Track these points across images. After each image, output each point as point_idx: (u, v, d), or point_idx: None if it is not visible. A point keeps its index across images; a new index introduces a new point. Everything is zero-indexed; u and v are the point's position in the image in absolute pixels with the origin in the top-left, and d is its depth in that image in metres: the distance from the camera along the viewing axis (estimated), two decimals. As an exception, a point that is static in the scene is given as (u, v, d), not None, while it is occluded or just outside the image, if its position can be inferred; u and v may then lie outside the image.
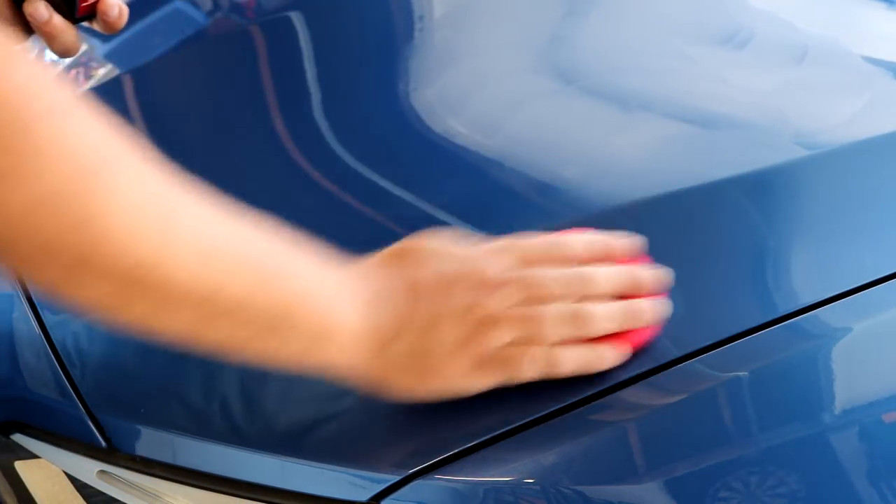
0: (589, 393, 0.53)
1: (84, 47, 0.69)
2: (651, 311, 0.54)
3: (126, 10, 0.64)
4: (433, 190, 0.67)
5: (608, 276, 0.54)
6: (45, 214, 0.39)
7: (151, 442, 0.60)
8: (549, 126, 0.70)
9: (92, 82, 0.88)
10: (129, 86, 0.86)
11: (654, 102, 0.71)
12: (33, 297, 0.68)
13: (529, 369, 0.52)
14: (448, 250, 0.53)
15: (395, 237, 0.65)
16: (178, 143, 0.81)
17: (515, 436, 0.53)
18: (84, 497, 0.64)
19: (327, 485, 0.54)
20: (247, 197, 0.70)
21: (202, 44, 0.92)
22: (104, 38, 0.89)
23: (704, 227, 0.62)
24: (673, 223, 0.63)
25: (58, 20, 0.61)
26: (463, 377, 0.52)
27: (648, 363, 0.54)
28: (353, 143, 0.72)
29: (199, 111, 0.85)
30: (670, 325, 0.56)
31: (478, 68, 0.76)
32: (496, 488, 0.51)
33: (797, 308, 0.56)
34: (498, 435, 0.53)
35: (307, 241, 0.49)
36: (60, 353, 0.65)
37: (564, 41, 0.80)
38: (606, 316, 0.53)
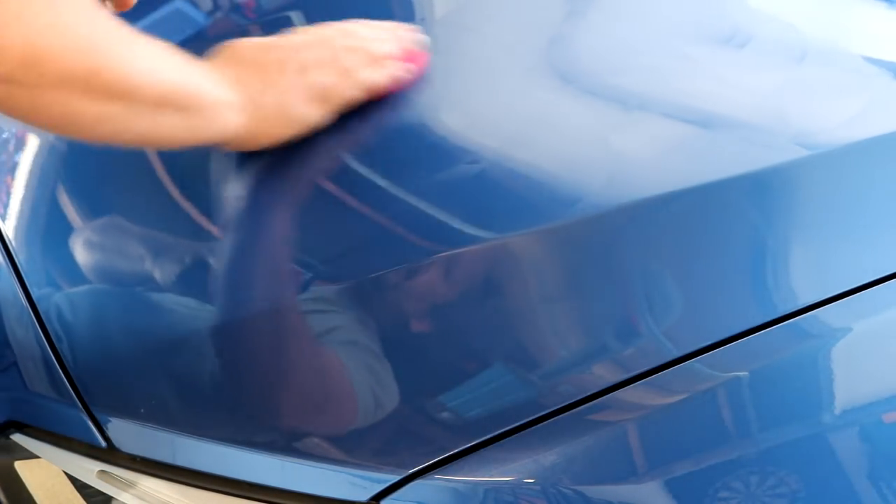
0: (589, 393, 0.53)
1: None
2: (412, 40, 0.73)
3: None
4: (433, 189, 0.67)
5: (379, 28, 0.74)
6: (60, 42, 0.50)
7: (151, 442, 0.59)
8: (548, 126, 0.70)
9: None
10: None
11: (653, 102, 0.71)
12: (33, 298, 0.68)
13: (348, 90, 0.69)
14: (268, 40, 0.70)
15: (395, 236, 0.65)
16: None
17: (515, 436, 0.53)
18: (84, 497, 0.64)
19: (327, 485, 0.54)
20: (247, 197, 0.70)
21: (202, 44, 0.92)
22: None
23: (704, 226, 0.62)
24: (673, 223, 0.62)
25: None
26: (305, 109, 0.68)
27: (648, 363, 0.54)
28: (353, 143, 0.72)
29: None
30: (670, 325, 0.56)
31: (478, 68, 0.76)
32: (496, 488, 0.51)
33: (797, 308, 0.56)
34: (498, 435, 0.53)
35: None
36: (60, 352, 0.65)
37: (564, 41, 0.80)
38: (382, 39, 0.72)
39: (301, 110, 0.68)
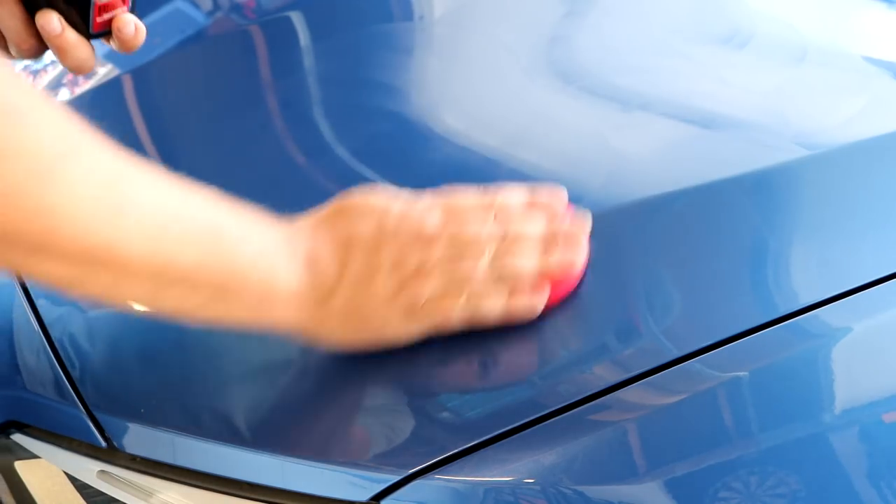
0: (589, 393, 0.53)
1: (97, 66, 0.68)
2: (572, 256, 0.57)
3: (143, 29, 0.62)
4: (433, 189, 0.67)
5: (531, 226, 0.57)
6: (4, 207, 0.42)
7: (151, 442, 0.59)
8: (548, 125, 0.70)
9: (92, 82, 0.88)
10: (129, 86, 0.86)
11: (654, 102, 0.71)
12: (33, 298, 0.68)
13: (456, 318, 0.55)
14: (381, 206, 0.56)
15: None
16: (179, 143, 0.81)
17: (515, 436, 0.53)
18: (84, 497, 0.64)
19: (327, 485, 0.54)
20: (246, 197, 0.70)
21: (202, 44, 0.92)
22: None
23: (704, 227, 0.62)
24: (673, 223, 0.63)
25: (70, 34, 0.59)
26: (394, 327, 0.55)
27: (648, 363, 0.54)
28: (354, 143, 0.72)
29: (199, 111, 0.85)
30: (670, 325, 0.56)
31: (478, 68, 0.76)
32: (496, 488, 0.51)
33: (797, 308, 0.56)
34: (498, 435, 0.53)
35: (249, 206, 0.53)
36: (60, 352, 0.65)
37: (564, 41, 0.80)
38: (528, 265, 0.56)
39: (391, 325, 0.55)
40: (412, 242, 0.55)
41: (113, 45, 0.63)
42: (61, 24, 0.59)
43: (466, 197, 0.58)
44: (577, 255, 0.58)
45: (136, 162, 0.48)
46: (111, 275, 0.47)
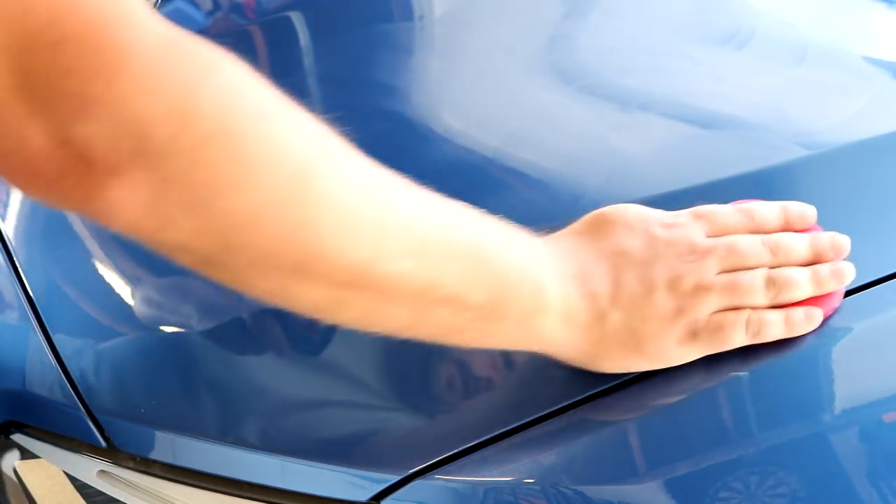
0: (589, 393, 0.53)
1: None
2: (839, 275, 0.54)
3: None
4: (433, 189, 0.67)
5: (800, 243, 0.54)
6: (265, 222, 0.38)
7: (151, 442, 0.59)
8: (549, 125, 0.70)
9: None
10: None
11: (654, 102, 0.71)
12: (33, 297, 0.68)
13: (739, 336, 0.51)
14: (646, 218, 0.52)
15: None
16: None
17: (515, 436, 0.53)
18: (84, 497, 0.64)
19: (327, 485, 0.54)
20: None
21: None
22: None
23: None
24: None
25: None
26: (676, 347, 0.51)
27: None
28: (354, 143, 0.72)
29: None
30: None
31: (478, 68, 0.76)
32: (496, 488, 0.51)
33: (797, 308, 0.56)
34: (498, 435, 0.53)
35: (503, 220, 0.49)
36: (60, 352, 0.65)
37: (564, 40, 0.80)
38: (804, 281, 0.53)
39: (672, 347, 0.51)
40: (687, 256, 0.51)
41: None
42: None
43: (724, 210, 0.55)
44: (844, 279, 0.55)
45: (385, 169, 0.44)
46: (370, 297, 0.43)
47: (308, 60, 0.86)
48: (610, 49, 0.78)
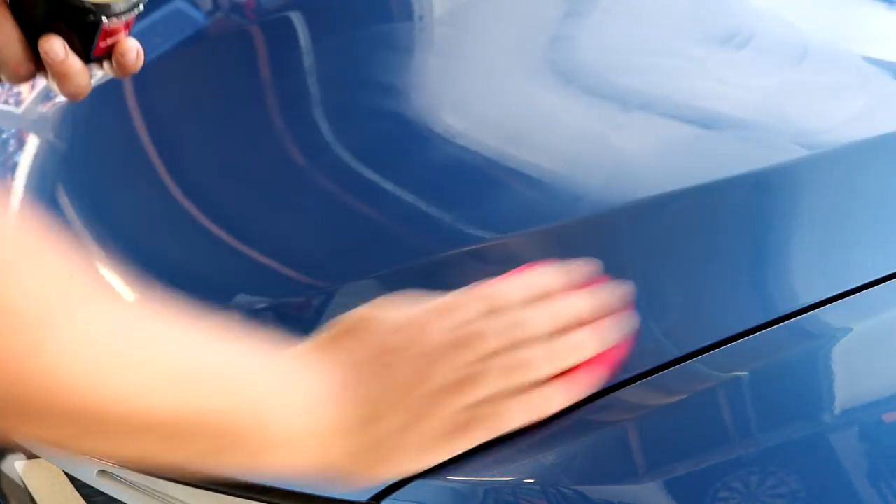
0: (589, 393, 0.53)
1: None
2: (595, 339, 0.53)
3: (143, 54, 0.58)
4: (433, 190, 0.67)
5: (545, 316, 0.53)
6: None
7: (151, 442, 0.59)
8: (549, 125, 0.70)
9: (92, 83, 0.88)
10: (128, 86, 0.86)
11: (654, 102, 0.71)
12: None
13: (477, 432, 0.50)
14: (383, 320, 0.51)
15: (394, 237, 0.65)
16: (179, 143, 0.81)
17: (515, 436, 0.53)
18: (84, 497, 0.64)
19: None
20: (247, 198, 0.70)
21: (202, 44, 0.92)
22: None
23: (704, 226, 0.62)
24: (673, 223, 0.62)
25: (74, 61, 0.55)
26: (421, 455, 0.50)
27: (648, 363, 0.54)
28: (354, 143, 0.72)
29: (199, 111, 0.85)
30: (670, 325, 0.56)
31: (478, 68, 0.76)
32: (496, 488, 0.51)
33: (797, 308, 0.56)
34: (498, 435, 0.53)
35: (258, 332, 0.48)
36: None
37: (564, 41, 0.80)
38: (545, 359, 0.52)
39: (440, 443, 0.50)
40: (420, 359, 0.50)
41: (108, 70, 0.59)
42: (65, 49, 0.55)
43: (456, 296, 0.53)
44: (600, 341, 0.53)
45: (146, 305, 0.43)
46: (104, 436, 0.42)
47: (308, 60, 0.86)
48: (610, 49, 0.78)
